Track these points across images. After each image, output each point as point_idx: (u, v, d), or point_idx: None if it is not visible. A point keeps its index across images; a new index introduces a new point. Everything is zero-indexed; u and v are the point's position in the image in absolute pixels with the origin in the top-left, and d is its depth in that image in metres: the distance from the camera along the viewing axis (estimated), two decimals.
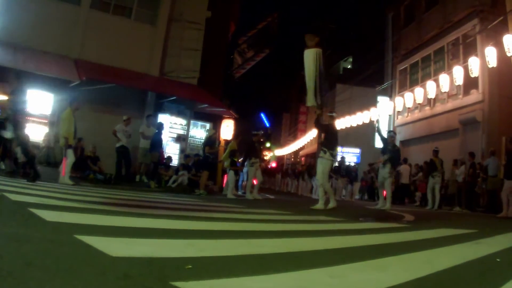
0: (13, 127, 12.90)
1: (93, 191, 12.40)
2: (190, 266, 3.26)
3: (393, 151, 17.81)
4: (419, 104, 31.05)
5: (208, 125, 27.17)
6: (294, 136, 69.77)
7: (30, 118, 21.08)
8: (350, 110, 38.00)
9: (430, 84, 28.02)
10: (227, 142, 26.70)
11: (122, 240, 4.25)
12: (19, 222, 4.93)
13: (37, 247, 3.45)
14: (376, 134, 21.59)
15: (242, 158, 21.42)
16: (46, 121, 22.10)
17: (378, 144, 38.55)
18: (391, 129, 37.45)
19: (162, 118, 24.75)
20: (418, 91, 29.60)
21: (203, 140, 22.97)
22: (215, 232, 5.80)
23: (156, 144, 19.60)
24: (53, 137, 20.99)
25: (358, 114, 36.21)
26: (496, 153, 20.55)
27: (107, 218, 5.99)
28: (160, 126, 20.29)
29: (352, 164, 36.59)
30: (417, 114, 33.62)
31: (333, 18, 47.62)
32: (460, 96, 27.98)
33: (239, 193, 22.64)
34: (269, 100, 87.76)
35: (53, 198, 7.94)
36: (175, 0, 26.54)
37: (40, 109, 21.73)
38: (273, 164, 50.04)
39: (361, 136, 40.12)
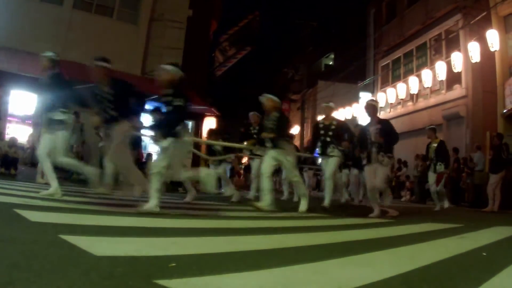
0: None
1: (77, 191, 12.36)
2: (174, 264, 3.27)
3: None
4: (401, 99, 31.16)
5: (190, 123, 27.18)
6: None
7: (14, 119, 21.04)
8: None
9: (413, 80, 28.25)
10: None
11: (106, 240, 4.26)
12: (3, 223, 4.91)
13: (22, 248, 3.45)
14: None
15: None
16: (30, 122, 22.05)
17: None
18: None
19: (144, 117, 24.72)
20: (401, 86, 29.84)
21: None
22: (198, 230, 5.81)
23: (135, 142, 19.48)
24: (38, 137, 20.93)
25: (341, 110, 36.35)
26: (481, 148, 20.68)
27: (91, 218, 5.98)
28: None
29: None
30: (399, 110, 33.65)
31: (314, 15, 47.70)
32: (443, 91, 28.03)
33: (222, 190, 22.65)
34: (251, 98, 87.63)
35: (37, 199, 7.91)
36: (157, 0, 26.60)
37: (24, 109, 21.66)
38: None
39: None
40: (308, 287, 3.07)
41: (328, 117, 13.53)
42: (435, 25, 29.19)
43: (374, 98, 12.87)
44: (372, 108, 11.77)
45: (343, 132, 13.38)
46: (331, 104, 13.91)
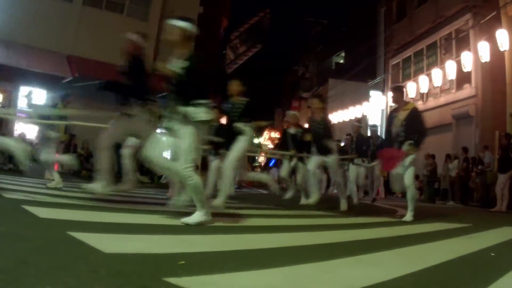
0: None
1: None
2: (183, 262, 3.26)
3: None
4: (411, 98, 31.02)
5: None
6: None
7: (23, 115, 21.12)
8: (343, 105, 38.17)
9: (423, 79, 28.14)
10: None
11: (114, 237, 4.26)
12: (12, 220, 4.92)
13: (30, 244, 3.45)
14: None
15: None
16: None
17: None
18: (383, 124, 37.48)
19: None
20: (411, 85, 29.71)
21: None
22: (206, 228, 5.79)
23: None
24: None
25: (351, 108, 36.43)
26: (489, 148, 20.63)
27: (99, 215, 5.99)
28: None
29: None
30: None
31: (324, 14, 47.64)
32: (453, 90, 27.95)
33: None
34: (261, 95, 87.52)
35: (46, 195, 7.93)
36: None
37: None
38: None
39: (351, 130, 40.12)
40: (318, 286, 3.05)
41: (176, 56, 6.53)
42: (445, 25, 29.09)
43: None
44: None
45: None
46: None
